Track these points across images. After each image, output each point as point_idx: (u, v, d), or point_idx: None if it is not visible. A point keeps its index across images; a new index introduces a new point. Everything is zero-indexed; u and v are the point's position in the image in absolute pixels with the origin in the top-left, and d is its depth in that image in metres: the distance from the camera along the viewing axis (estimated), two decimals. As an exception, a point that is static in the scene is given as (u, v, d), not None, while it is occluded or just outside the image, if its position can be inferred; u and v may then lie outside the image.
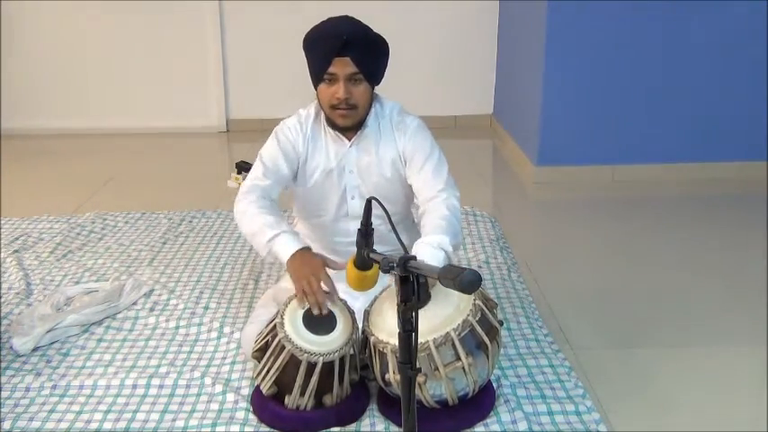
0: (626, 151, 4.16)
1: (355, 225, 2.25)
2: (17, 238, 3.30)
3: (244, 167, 4.11)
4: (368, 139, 2.23)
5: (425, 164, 2.19)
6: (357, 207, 2.26)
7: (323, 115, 2.23)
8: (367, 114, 2.20)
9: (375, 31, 2.14)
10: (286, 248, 2.05)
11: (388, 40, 2.17)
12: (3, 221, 3.51)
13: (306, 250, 2.06)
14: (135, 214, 3.61)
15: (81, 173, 4.49)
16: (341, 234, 2.33)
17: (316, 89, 2.16)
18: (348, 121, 2.16)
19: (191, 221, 3.54)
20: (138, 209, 3.68)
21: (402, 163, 2.24)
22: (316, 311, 1.95)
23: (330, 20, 2.13)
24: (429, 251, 1.97)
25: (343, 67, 2.06)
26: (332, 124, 2.21)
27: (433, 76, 5.34)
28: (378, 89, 2.25)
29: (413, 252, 1.99)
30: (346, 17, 2.14)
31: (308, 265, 2.00)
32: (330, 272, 2.30)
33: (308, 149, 2.25)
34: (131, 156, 4.91)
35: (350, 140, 2.23)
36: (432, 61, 5.31)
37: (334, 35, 2.05)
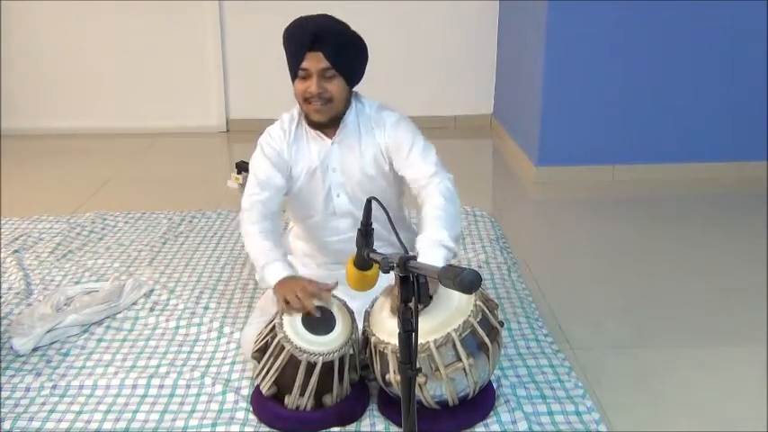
0: (626, 151, 4.16)
1: (345, 222, 2.29)
2: (17, 238, 3.30)
3: (244, 167, 4.11)
4: (349, 137, 2.22)
5: (411, 151, 2.18)
6: (344, 204, 2.26)
7: (304, 115, 2.22)
8: (345, 110, 2.19)
9: (354, 30, 2.13)
10: (274, 276, 2.06)
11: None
12: (3, 221, 3.51)
13: (292, 277, 2.06)
14: (135, 214, 3.61)
15: (81, 173, 4.49)
16: (332, 232, 2.33)
17: (293, 81, 2.16)
18: (323, 115, 2.15)
19: (191, 221, 3.53)
20: (138, 209, 3.68)
21: (384, 159, 2.23)
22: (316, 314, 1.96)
23: (306, 16, 2.14)
24: (429, 250, 1.96)
25: (315, 62, 2.06)
26: (310, 122, 2.20)
27: (433, 76, 5.34)
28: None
29: (416, 248, 2.00)
30: (323, 14, 2.14)
31: (291, 284, 2.01)
32: (327, 272, 2.31)
33: (292, 153, 2.24)
34: (131, 156, 4.91)
35: (331, 139, 2.22)
36: (432, 61, 5.31)
37: (306, 30, 2.06)
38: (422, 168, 2.16)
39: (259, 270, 2.14)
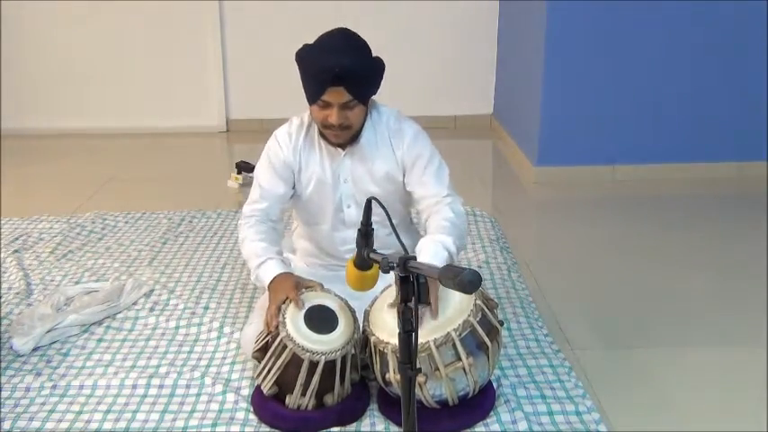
0: (626, 151, 4.16)
1: (353, 233, 2.23)
2: (17, 238, 3.30)
3: (244, 167, 4.11)
4: (363, 149, 2.19)
5: (426, 170, 2.17)
6: (354, 216, 2.24)
7: (316, 126, 2.19)
8: (363, 126, 2.16)
9: (376, 40, 2.09)
10: (268, 274, 2.09)
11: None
12: (3, 221, 3.51)
13: (284, 275, 2.08)
14: (135, 214, 3.61)
15: (81, 173, 4.49)
16: (339, 242, 2.32)
17: (309, 104, 2.10)
18: (341, 139, 2.14)
19: (191, 221, 3.53)
20: (138, 209, 3.68)
21: (399, 171, 2.20)
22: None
23: (324, 43, 2.04)
24: (432, 248, 1.99)
25: (337, 96, 2.01)
26: (325, 138, 2.18)
27: (433, 76, 5.34)
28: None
29: (417, 248, 2.02)
30: (341, 37, 2.05)
31: (282, 288, 2.03)
32: (330, 271, 2.31)
33: (300, 160, 2.22)
34: (131, 156, 4.91)
35: (344, 150, 2.19)
36: (432, 61, 5.31)
37: (328, 67, 1.95)
38: (434, 190, 2.17)
39: (253, 270, 2.15)
